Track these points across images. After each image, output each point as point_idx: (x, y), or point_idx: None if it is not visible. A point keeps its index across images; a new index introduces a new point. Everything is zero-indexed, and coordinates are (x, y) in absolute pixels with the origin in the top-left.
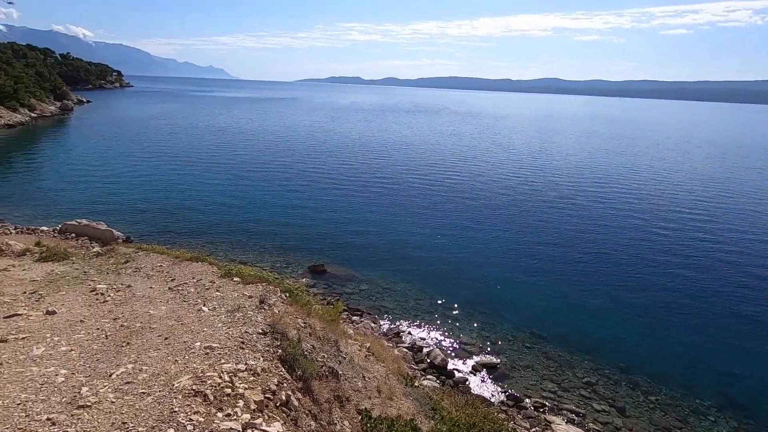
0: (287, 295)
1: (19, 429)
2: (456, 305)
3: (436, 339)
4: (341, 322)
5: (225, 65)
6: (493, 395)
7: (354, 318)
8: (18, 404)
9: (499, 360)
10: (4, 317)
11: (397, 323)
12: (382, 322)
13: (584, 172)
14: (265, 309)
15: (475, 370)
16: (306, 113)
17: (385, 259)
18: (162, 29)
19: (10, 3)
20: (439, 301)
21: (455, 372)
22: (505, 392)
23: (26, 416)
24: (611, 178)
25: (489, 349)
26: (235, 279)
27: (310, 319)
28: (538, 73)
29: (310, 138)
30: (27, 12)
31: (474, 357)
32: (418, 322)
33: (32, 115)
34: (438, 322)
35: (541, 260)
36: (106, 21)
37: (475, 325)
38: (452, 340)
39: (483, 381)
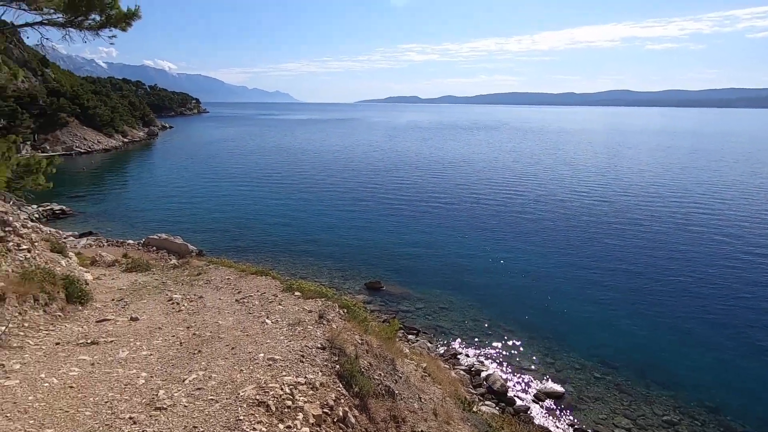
0: (345, 311)
1: (105, 425)
2: (517, 329)
3: (496, 363)
4: (397, 340)
5: (290, 90)
6: (558, 427)
7: (410, 337)
8: (105, 402)
9: (564, 389)
10: (96, 321)
11: (454, 344)
12: (438, 342)
13: (660, 190)
14: (323, 324)
15: (537, 398)
16: (364, 133)
17: (441, 278)
18: (234, 59)
19: (111, 44)
20: (499, 324)
21: (516, 399)
22: (571, 425)
23: (112, 414)
24: (692, 198)
25: (553, 376)
26: (296, 293)
27: (366, 336)
28: (605, 85)
29: (368, 157)
30: (123, 50)
31: (537, 384)
32: (476, 344)
33: (124, 140)
34: (497, 345)
35: (610, 287)
36: (187, 54)
37: (538, 350)
38: (513, 365)
39: (547, 411)
